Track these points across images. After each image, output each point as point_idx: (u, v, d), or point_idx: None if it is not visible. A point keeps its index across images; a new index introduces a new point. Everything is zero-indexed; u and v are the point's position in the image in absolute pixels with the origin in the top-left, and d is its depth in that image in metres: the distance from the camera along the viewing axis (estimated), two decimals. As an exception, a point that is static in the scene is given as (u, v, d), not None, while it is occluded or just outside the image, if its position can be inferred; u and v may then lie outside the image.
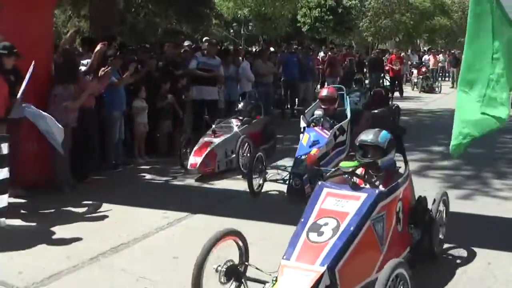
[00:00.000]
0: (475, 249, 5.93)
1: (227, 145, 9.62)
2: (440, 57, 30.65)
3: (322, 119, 8.52)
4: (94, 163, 9.16)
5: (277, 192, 8.18)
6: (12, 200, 7.52)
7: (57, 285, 5.05)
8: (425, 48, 39.98)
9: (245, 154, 9.35)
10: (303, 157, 7.82)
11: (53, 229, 6.53)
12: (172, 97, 10.67)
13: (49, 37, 8.75)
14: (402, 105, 20.19)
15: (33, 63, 7.22)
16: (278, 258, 4.34)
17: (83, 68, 8.67)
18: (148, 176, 9.41)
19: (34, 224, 6.79)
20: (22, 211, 7.22)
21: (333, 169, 5.99)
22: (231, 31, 34.46)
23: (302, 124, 8.65)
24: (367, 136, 5.11)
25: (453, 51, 33.77)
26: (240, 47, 27.12)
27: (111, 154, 9.70)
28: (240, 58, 15.25)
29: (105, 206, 7.43)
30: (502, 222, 7.06)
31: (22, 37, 7.42)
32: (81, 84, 8.34)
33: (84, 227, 6.70)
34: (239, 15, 30.10)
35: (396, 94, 22.97)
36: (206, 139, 9.64)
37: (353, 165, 5.03)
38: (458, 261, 5.70)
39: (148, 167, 9.93)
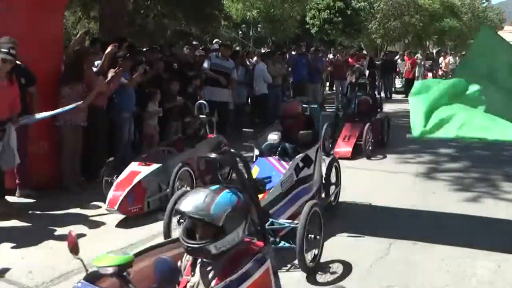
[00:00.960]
0: (485, 251, 5.92)
1: (162, 175, 7.47)
2: (450, 59, 30.38)
3: (280, 146, 6.69)
4: (103, 163, 9.18)
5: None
6: (22, 200, 7.59)
7: (66, 285, 5.06)
8: (434, 50, 39.79)
9: (183, 187, 7.21)
10: None
11: (62, 229, 6.54)
12: (182, 99, 10.66)
13: (60, 39, 8.79)
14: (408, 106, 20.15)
15: (76, 104, 7.48)
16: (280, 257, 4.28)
17: (94, 69, 8.72)
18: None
19: (43, 224, 6.82)
20: (31, 212, 7.25)
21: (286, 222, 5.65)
22: (240, 32, 34.48)
23: (255, 152, 6.78)
24: (191, 201, 3.08)
25: (463, 53, 33.65)
26: (248, 48, 27.12)
27: (121, 155, 9.71)
28: (255, 59, 15.35)
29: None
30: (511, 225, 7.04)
31: (33, 39, 7.47)
32: (89, 83, 8.36)
33: (93, 227, 6.73)
34: (248, 17, 30.13)
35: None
36: (133, 167, 7.59)
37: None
38: (467, 264, 5.68)
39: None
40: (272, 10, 29.50)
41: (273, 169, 6.32)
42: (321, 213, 5.60)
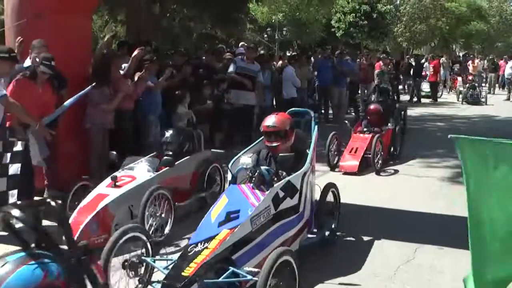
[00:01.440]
0: None
1: (133, 199, 6.35)
2: (478, 62, 29.77)
3: (255, 171, 5.34)
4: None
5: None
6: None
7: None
8: (461, 54, 39.43)
9: (158, 215, 6.23)
10: (199, 246, 4.50)
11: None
12: (211, 103, 10.72)
13: (88, 42, 8.90)
14: (436, 110, 20.02)
15: (90, 86, 7.52)
16: (308, 260, 4.28)
17: (121, 72, 8.82)
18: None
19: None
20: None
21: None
22: (265, 36, 34.51)
23: (229, 176, 5.69)
24: None
25: (491, 56, 33.25)
26: (272, 51, 27.16)
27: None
28: (280, 62, 15.40)
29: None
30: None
31: (61, 42, 7.56)
32: (116, 86, 8.45)
33: (120, 228, 6.78)
34: (273, 20, 30.19)
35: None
36: (100, 189, 6.48)
37: None
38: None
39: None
40: (298, 13, 29.53)
41: (243, 200, 5.06)
42: (295, 263, 4.43)
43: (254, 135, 12.39)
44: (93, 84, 7.68)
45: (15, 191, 6.49)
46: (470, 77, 23.58)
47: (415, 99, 23.04)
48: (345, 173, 9.82)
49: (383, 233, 6.55)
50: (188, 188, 7.46)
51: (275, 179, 5.41)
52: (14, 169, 6.42)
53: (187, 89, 10.30)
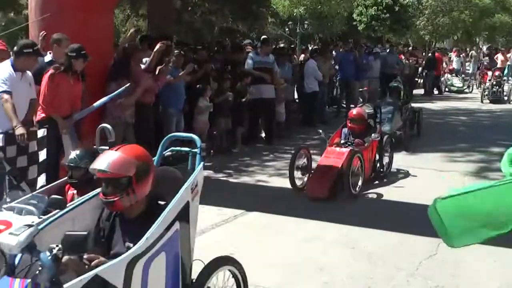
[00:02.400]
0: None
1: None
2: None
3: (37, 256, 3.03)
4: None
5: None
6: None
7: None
8: (484, 47, 38.87)
9: None
10: None
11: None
12: (232, 95, 10.74)
13: (110, 36, 8.97)
14: (460, 104, 19.78)
15: (126, 85, 7.58)
16: (333, 253, 4.31)
17: (142, 66, 8.86)
18: (204, 173, 9.45)
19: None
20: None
21: None
22: (287, 29, 34.36)
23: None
24: None
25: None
26: (294, 45, 27.08)
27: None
28: (302, 56, 15.35)
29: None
30: None
31: (83, 37, 7.58)
32: (136, 80, 8.49)
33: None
34: (294, 14, 30.02)
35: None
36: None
37: None
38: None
39: (204, 163, 10.01)
40: (319, 6, 29.33)
41: None
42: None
43: (277, 130, 12.45)
44: (128, 85, 7.72)
45: (43, 176, 6.65)
46: (497, 72, 20.83)
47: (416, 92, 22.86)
48: (313, 199, 7.90)
49: (406, 227, 6.51)
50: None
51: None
52: (42, 155, 6.59)
53: (208, 83, 10.35)
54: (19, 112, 6.50)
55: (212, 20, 21.72)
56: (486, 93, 20.38)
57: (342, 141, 8.71)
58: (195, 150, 4.35)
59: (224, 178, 9.22)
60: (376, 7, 32.97)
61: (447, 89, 24.01)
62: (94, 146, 5.63)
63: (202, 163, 4.36)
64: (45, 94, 6.96)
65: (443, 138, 12.66)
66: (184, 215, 3.76)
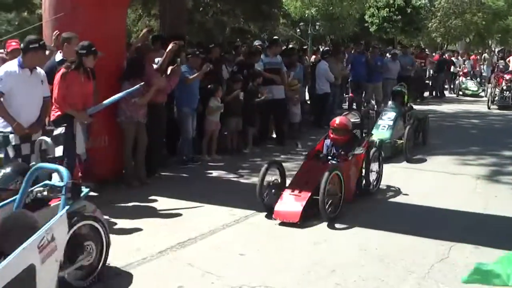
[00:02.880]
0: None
1: None
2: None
3: None
4: (162, 158, 9.39)
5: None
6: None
7: (125, 276, 5.20)
8: (496, 49, 38.59)
9: None
10: None
11: (122, 222, 6.70)
12: (242, 94, 10.74)
13: (122, 36, 8.98)
14: (471, 107, 19.63)
15: (140, 84, 7.61)
16: (344, 255, 4.27)
17: (154, 66, 8.87)
18: (215, 173, 9.51)
19: (104, 217, 6.97)
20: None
21: None
22: (298, 30, 34.39)
23: None
24: None
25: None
26: (306, 46, 27.04)
27: (184, 150, 9.91)
28: (313, 57, 15.35)
29: (173, 202, 7.57)
30: None
31: (96, 36, 7.59)
32: (149, 80, 8.50)
33: (153, 221, 6.85)
34: (306, 15, 30.03)
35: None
36: None
37: None
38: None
39: (215, 164, 10.03)
40: (331, 8, 29.33)
41: None
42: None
43: (289, 132, 12.43)
44: (141, 84, 7.75)
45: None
46: (508, 76, 19.45)
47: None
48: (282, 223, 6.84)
49: (417, 230, 6.48)
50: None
51: None
52: (58, 151, 6.60)
53: (219, 83, 10.35)
54: (30, 110, 6.54)
55: (223, 20, 21.74)
56: (496, 98, 19.18)
57: (322, 155, 7.71)
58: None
59: (235, 179, 9.21)
60: (388, 9, 32.90)
61: (461, 93, 23.35)
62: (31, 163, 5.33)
63: (66, 208, 3.44)
64: (58, 93, 7.00)
65: (455, 141, 12.59)
66: None
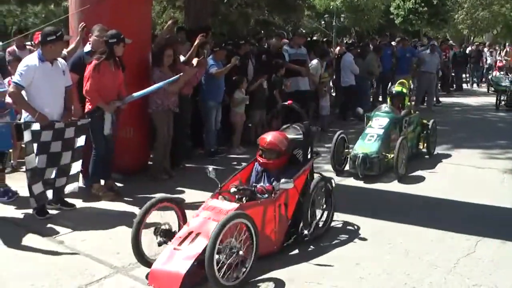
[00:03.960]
0: None
1: None
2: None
3: None
4: (187, 151, 9.43)
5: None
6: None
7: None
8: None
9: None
10: None
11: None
12: (265, 83, 10.73)
13: (147, 28, 9.01)
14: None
15: (180, 74, 7.74)
16: (368, 248, 4.20)
17: (182, 58, 8.91)
18: (239, 166, 9.50)
19: (130, 207, 7.04)
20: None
21: None
22: (323, 22, 34.21)
23: None
24: None
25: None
26: (329, 38, 26.93)
27: (210, 142, 9.95)
28: (337, 49, 15.36)
29: (198, 194, 7.58)
30: None
31: (122, 28, 7.61)
32: (178, 69, 8.53)
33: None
34: (331, 7, 29.89)
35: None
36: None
37: None
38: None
39: (240, 156, 10.05)
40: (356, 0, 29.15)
41: None
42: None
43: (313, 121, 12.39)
44: (181, 74, 7.78)
45: (79, 162, 6.84)
46: None
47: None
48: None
49: (443, 224, 6.43)
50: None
51: None
52: (80, 141, 6.76)
53: (244, 74, 10.36)
54: (56, 100, 6.62)
55: (248, 12, 21.69)
56: (503, 97, 17.17)
57: (233, 190, 5.47)
58: None
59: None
60: (414, 0, 32.56)
61: (492, 89, 20.52)
62: None
63: None
64: (91, 85, 7.03)
65: (481, 134, 12.44)
66: None
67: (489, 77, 21.89)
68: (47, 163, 6.48)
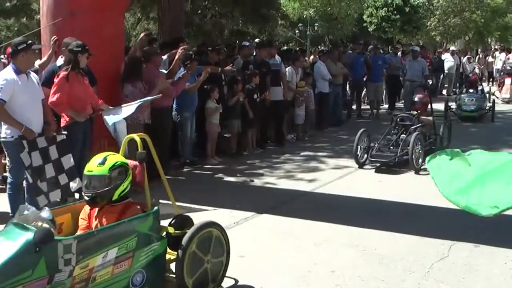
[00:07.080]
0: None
1: None
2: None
3: None
4: (166, 161, 9.40)
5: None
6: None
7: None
8: (496, 47, 38.50)
9: None
10: None
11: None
12: (242, 95, 10.75)
13: (121, 40, 9.01)
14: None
15: (159, 96, 7.63)
16: (344, 255, 4.27)
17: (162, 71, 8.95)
18: (215, 176, 9.54)
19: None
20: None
21: None
22: (297, 31, 34.36)
23: None
24: None
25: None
26: (303, 47, 27.07)
27: (185, 153, 9.94)
28: (311, 58, 15.40)
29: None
30: None
31: (95, 40, 7.61)
32: (152, 81, 8.51)
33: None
34: (304, 16, 30.04)
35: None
36: None
37: None
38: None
39: (215, 166, 10.06)
40: (329, 8, 29.35)
41: None
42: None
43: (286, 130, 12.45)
44: (160, 95, 7.78)
45: (77, 180, 6.66)
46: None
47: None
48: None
49: (417, 229, 6.50)
50: None
51: None
52: (66, 162, 6.63)
53: (215, 84, 10.37)
54: (36, 113, 6.55)
55: (222, 22, 21.76)
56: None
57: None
58: None
59: (235, 181, 9.23)
60: (386, 8, 32.98)
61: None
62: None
63: None
64: (60, 95, 6.90)
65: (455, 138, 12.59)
66: None
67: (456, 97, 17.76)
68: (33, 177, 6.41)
